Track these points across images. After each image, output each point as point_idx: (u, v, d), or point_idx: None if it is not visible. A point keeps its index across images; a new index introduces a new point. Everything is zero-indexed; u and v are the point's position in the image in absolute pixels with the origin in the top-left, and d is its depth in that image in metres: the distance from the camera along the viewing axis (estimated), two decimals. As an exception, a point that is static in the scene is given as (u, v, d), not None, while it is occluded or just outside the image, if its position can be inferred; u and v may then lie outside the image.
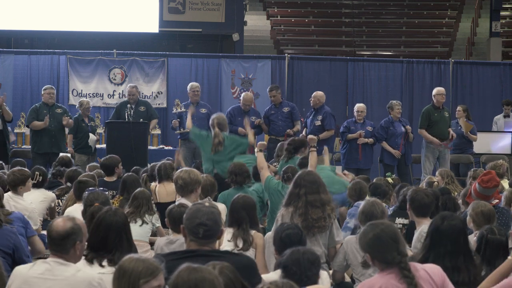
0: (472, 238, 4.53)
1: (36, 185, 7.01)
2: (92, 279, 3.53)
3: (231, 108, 10.89)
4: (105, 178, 7.56)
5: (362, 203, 4.95)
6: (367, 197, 5.87)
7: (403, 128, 10.90)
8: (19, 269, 3.68)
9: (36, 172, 7.06)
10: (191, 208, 3.68)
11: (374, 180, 7.38)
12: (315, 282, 3.63)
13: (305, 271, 3.60)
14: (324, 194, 5.03)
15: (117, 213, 4.03)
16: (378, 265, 3.39)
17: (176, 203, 5.55)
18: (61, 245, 3.57)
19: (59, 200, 7.31)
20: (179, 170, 5.89)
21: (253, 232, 4.85)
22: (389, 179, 7.64)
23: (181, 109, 10.51)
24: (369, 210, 4.77)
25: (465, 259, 3.87)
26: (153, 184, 6.93)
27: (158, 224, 6.08)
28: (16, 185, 6.27)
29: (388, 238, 3.35)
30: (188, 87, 10.94)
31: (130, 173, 7.00)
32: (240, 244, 4.74)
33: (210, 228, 3.55)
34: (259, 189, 7.04)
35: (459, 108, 11.49)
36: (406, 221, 5.88)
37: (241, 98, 10.90)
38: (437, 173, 8.02)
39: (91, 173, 7.57)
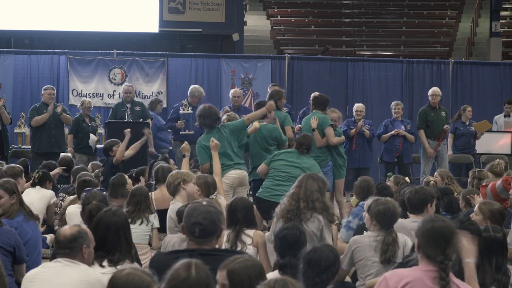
0: None
1: (38, 184, 7.04)
2: (101, 276, 3.60)
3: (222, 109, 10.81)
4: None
5: (371, 202, 4.92)
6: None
7: (403, 128, 10.93)
8: (31, 271, 3.79)
9: (36, 170, 7.10)
10: (188, 207, 3.70)
11: (391, 178, 7.39)
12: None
13: (313, 277, 3.60)
14: (319, 196, 5.06)
15: (117, 213, 4.04)
16: (420, 256, 3.39)
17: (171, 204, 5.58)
18: (69, 248, 3.63)
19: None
20: (173, 172, 5.89)
21: (253, 231, 4.84)
22: (407, 179, 7.60)
23: (188, 110, 10.47)
24: (379, 210, 4.79)
25: (482, 261, 3.95)
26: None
27: (157, 225, 6.07)
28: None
29: (441, 235, 3.34)
30: (196, 92, 10.62)
31: (117, 175, 6.91)
32: (230, 247, 4.71)
33: (205, 227, 3.57)
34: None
35: (469, 109, 11.55)
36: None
37: (230, 95, 10.86)
38: (436, 173, 8.02)
39: (92, 173, 7.58)
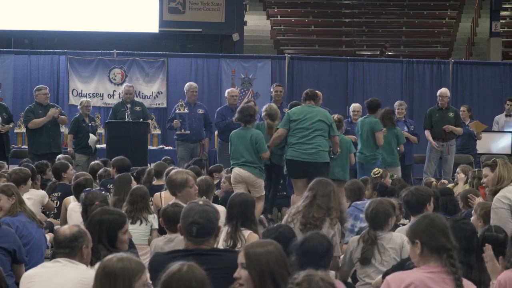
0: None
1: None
2: None
3: (219, 109, 10.81)
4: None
5: (367, 203, 4.95)
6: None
7: (406, 128, 10.92)
8: (30, 270, 3.79)
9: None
10: (185, 208, 3.70)
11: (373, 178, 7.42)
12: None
13: (311, 266, 3.59)
14: (335, 203, 5.06)
15: (108, 211, 4.05)
16: (426, 253, 3.32)
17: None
18: (69, 247, 3.62)
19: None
20: (174, 171, 5.83)
21: (248, 232, 4.77)
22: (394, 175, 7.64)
23: (184, 110, 10.51)
24: (366, 211, 4.83)
25: (477, 259, 3.98)
26: (156, 194, 6.83)
27: (156, 226, 6.08)
28: (19, 184, 6.26)
29: (439, 225, 3.34)
30: (187, 87, 10.96)
31: (123, 174, 6.95)
32: (229, 243, 4.67)
33: (203, 226, 3.56)
34: None
35: (463, 108, 11.54)
36: (406, 221, 5.88)
37: (226, 95, 10.89)
38: (458, 169, 8.08)
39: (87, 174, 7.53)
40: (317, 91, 8.48)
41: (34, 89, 10.84)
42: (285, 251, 3.95)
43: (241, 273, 2.99)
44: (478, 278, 3.88)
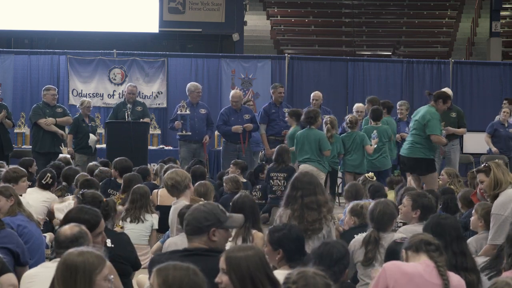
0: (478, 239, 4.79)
1: (44, 186, 6.98)
2: None
3: (223, 109, 10.83)
4: None
5: (372, 204, 4.94)
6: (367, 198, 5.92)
7: (407, 130, 10.90)
8: (29, 270, 3.79)
9: (48, 174, 7.02)
10: (190, 209, 3.72)
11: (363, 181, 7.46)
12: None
13: (325, 270, 3.59)
14: (321, 195, 4.98)
15: (81, 210, 4.07)
16: (411, 256, 3.49)
17: (173, 204, 5.52)
18: (70, 247, 3.59)
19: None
20: (168, 172, 5.75)
21: (253, 231, 4.82)
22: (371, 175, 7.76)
23: (186, 111, 10.47)
24: (369, 211, 4.82)
25: (468, 247, 4.04)
26: (154, 191, 6.85)
27: (156, 226, 6.08)
28: (9, 182, 6.24)
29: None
30: (192, 87, 10.73)
31: (132, 173, 7.00)
32: (239, 243, 4.68)
33: (188, 223, 3.58)
34: None
35: (506, 110, 11.49)
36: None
37: (230, 97, 10.84)
38: (443, 171, 8.04)
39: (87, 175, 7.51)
40: (442, 91, 8.82)
41: (43, 88, 10.94)
42: (297, 249, 3.91)
43: (222, 278, 3.01)
44: (472, 265, 3.92)
